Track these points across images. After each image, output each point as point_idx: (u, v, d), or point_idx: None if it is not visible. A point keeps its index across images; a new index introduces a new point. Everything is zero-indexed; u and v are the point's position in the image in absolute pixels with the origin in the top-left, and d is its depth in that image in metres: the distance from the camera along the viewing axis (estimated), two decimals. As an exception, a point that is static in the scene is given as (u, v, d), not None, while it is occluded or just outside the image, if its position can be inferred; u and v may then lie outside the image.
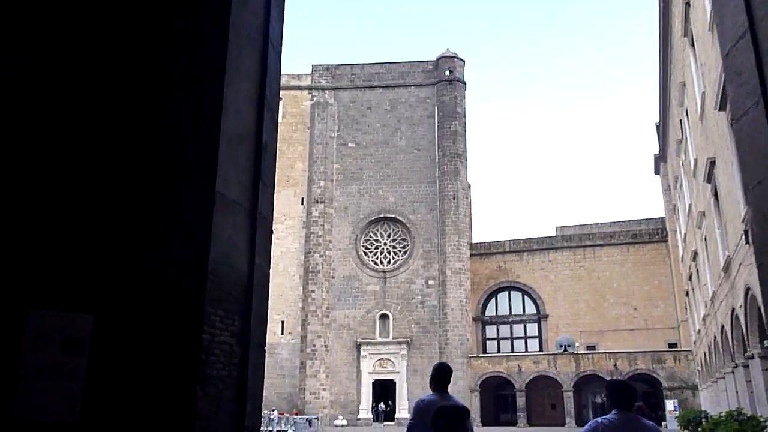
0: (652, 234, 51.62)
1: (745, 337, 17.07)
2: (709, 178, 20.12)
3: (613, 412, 4.87)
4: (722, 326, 22.39)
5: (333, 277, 49.71)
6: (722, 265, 19.84)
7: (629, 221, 54.72)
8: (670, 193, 47.33)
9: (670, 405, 40.29)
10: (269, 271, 5.13)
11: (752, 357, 16.79)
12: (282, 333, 49.10)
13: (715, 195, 20.11)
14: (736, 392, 22.82)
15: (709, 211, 22.08)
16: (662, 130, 41.05)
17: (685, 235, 34.26)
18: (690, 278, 34.22)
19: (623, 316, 49.99)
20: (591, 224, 55.66)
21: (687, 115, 26.03)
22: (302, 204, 51.27)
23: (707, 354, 30.17)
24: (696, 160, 24.43)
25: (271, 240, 5.24)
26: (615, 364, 44.34)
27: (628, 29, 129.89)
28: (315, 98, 52.80)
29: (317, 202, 50.42)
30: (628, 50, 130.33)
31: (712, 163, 19.10)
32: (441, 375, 5.68)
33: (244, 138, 4.96)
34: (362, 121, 52.51)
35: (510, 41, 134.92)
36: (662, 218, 52.12)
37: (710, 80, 18.07)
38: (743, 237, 15.12)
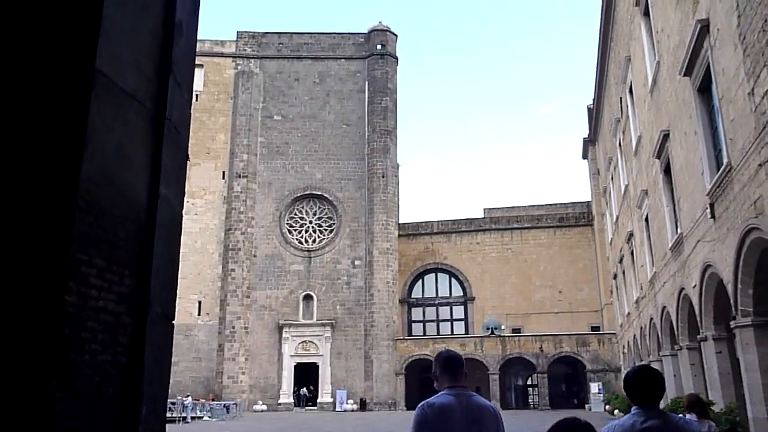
0: (578, 218, 51.76)
1: (699, 319, 16.23)
2: (660, 153, 19.25)
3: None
4: (663, 308, 21.76)
5: (255, 256, 47.31)
6: (670, 243, 19.05)
7: (556, 205, 54.75)
8: (597, 177, 47.41)
9: (594, 387, 40.38)
10: (181, 212, 3.02)
11: (705, 339, 15.97)
12: (199, 314, 46.39)
13: (666, 170, 19.27)
14: (674, 376, 22.34)
15: (655, 188, 21.31)
16: (595, 112, 40.74)
17: (617, 217, 33.93)
18: (621, 260, 33.95)
19: (548, 299, 49.98)
20: (519, 207, 55.39)
21: (631, 91, 25.28)
22: (223, 178, 48.46)
23: (638, 337, 29.89)
24: (640, 137, 23.69)
25: (186, 166, 3.16)
26: (541, 347, 44.14)
27: (567, 10, 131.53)
28: (239, 67, 49.91)
29: (239, 176, 47.74)
30: (566, 32, 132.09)
31: (666, 136, 18.18)
32: (453, 367, 3.90)
33: (147, 5, 2.97)
34: (289, 93, 50.06)
35: (444, 17, 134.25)
36: (588, 202, 52.31)
37: (669, 47, 17.06)
38: (707, 211, 14.14)
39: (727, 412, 11.89)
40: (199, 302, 46.47)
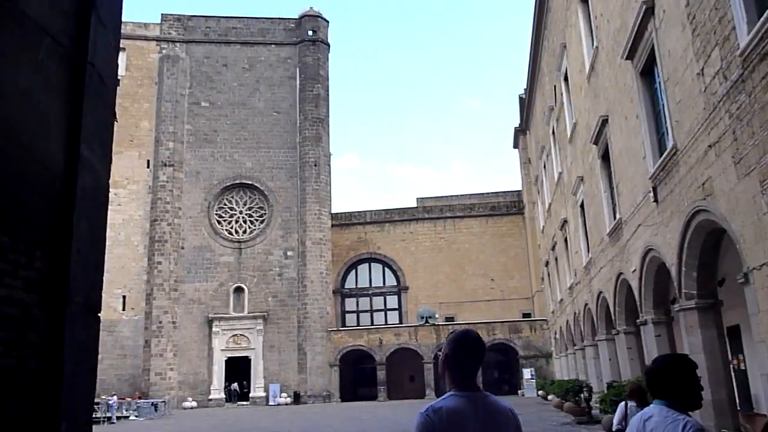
0: (509, 206, 52.33)
1: (638, 303, 16.30)
2: (597, 138, 19.30)
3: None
4: (599, 293, 21.96)
5: (182, 248, 45.60)
6: (608, 229, 19.14)
7: (487, 194, 55.18)
8: (528, 166, 48.01)
9: (527, 373, 40.91)
10: (108, 181, 2.32)
11: (645, 323, 16.05)
12: (123, 309, 44.36)
13: (604, 156, 19.33)
14: (609, 360, 22.62)
15: (592, 174, 21.41)
16: (527, 101, 41.08)
17: (550, 204, 34.28)
18: (553, 248, 34.36)
19: (481, 287, 50.38)
20: (451, 196, 55.53)
21: (566, 78, 25.39)
22: (148, 167, 46.41)
23: (571, 323, 30.29)
24: (576, 124, 23.80)
25: (113, 126, 2.51)
26: (474, 335, 44.27)
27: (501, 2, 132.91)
28: (164, 51, 47.84)
29: (165, 165, 45.82)
30: (500, 23, 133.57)
31: (604, 122, 18.19)
32: (470, 358, 2.90)
33: None
34: (217, 78, 48.37)
35: (376, 4, 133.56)
36: (519, 191, 52.96)
37: (609, 31, 17.02)
38: (649, 195, 14.12)
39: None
40: (124, 297, 44.46)
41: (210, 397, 43.34)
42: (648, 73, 14.22)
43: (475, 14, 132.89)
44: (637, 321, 16.76)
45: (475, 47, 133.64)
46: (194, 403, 42.35)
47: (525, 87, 41.63)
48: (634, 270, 16.38)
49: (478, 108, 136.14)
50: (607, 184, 19.45)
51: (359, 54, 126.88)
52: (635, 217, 15.88)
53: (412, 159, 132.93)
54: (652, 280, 15.63)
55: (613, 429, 8.36)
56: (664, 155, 12.88)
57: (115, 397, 33.49)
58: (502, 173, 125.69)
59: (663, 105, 13.25)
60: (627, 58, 14.78)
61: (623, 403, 8.46)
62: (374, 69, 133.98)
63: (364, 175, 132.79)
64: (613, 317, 19.96)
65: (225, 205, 47.41)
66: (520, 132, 49.08)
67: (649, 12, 12.93)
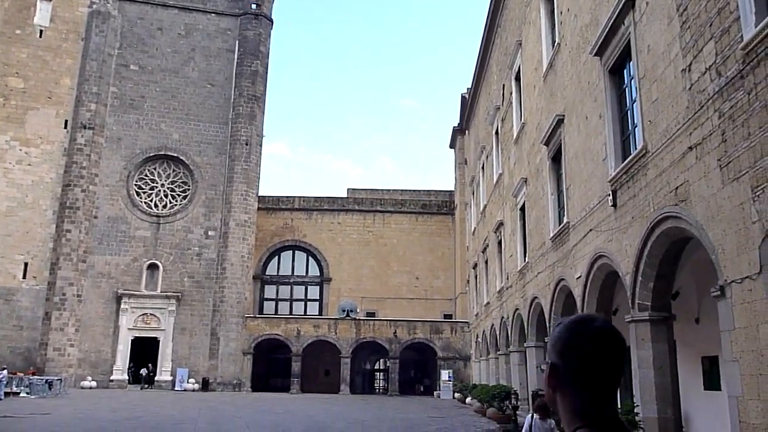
0: (440, 206, 51.89)
1: (581, 310, 15.68)
2: (549, 139, 18.65)
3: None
4: (533, 299, 21.40)
5: (95, 217, 42.70)
6: (552, 233, 18.54)
7: (420, 191, 54.56)
8: (464, 166, 47.60)
9: (445, 375, 40.43)
10: None
11: (585, 332, 15.43)
12: (24, 277, 41.10)
13: (554, 158, 18.70)
14: (537, 367, 22.11)
15: (538, 176, 20.81)
16: (470, 100, 40.54)
17: (485, 206, 33.79)
18: (484, 250, 33.87)
19: (405, 284, 49.71)
20: (383, 190, 54.60)
21: (518, 77, 24.76)
22: (65, 128, 43.17)
23: (497, 327, 29.81)
24: (524, 124, 23.20)
25: None
26: (395, 332, 43.62)
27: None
28: (95, 6, 44.57)
29: (85, 127, 42.74)
30: (442, 24, 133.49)
31: (560, 121, 17.53)
32: (612, 363, 1.63)
33: None
34: (150, 42, 45.59)
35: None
36: (452, 192, 52.58)
37: (575, 27, 16.34)
38: (608, 198, 13.44)
39: (626, 412, 11.12)
40: (26, 264, 41.21)
41: (112, 377, 40.77)
42: (617, 70, 13.55)
43: (419, 13, 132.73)
44: (577, 330, 16.15)
45: (413, 48, 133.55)
46: (94, 383, 39.71)
47: (469, 86, 41.10)
48: (579, 276, 15.76)
49: (411, 108, 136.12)
50: (555, 187, 18.84)
51: (296, 39, 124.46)
52: (586, 222, 15.23)
53: (342, 153, 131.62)
54: (597, 287, 15.03)
55: None
56: (630, 157, 12.19)
57: (5, 372, 30.69)
58: (432, 174, 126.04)
59: (633, 104, 12.58)
60: (596, 55, 14.07)
61: (529, 415, 9.18)
62: (311, 55, 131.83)
63: (293, 164, 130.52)
64: (547, 324, 19.38)
65: (146, 176, 44.78)
66: (459, 132, 48.65)
67: (628, 5, 12.21)
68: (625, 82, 13.24)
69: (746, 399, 7.99)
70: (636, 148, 12.04)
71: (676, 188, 10.16)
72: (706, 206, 9.10)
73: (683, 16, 9.95)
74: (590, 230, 14.88)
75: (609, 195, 13.35)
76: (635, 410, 11.28)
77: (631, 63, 12.59)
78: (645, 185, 11.52)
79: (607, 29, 13.23)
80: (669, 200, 10.44)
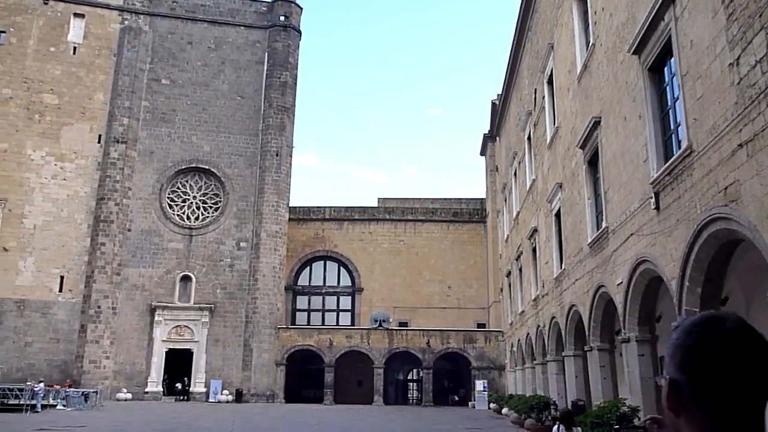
0: (471, 214, 51.38)
1: (622, 318, 15.16)
2: (585, 142, 18.18)
3: None
4: (571, 307, 20.85)
5: (129, 230, 43.13)
6: (590, 239, 18.02)
7: (450, 199, 54.10)
8: (495, 173, 47.06)
9: (480, 385, 39.82)
10: None
11: (627, 341, 14.91)
12: (60, 290, 41.64)
13: (591, 161, 18.22)
14: (576, 377, 21.54)
15: (573, 180, 20.31)
16: (501, 106, 40.08)
17: (518, 213, 33.25)
18: (518, 258, 33.32)
19: (437, 293, 49.24)
20: (413, 198, 54.27)
21: (550, 81, 24.31)
22: (99, 142, 43.78)
23: (533, 336, 29.22)
24: (558, 128, 22.72)
25: None
26: (428, 342, 43.16)
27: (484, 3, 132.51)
28: (126, 22, 45.30)
29: (118, 141, 43.29)
30: (481, 25, 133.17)
31: (596, 123, 17.06)
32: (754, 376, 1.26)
33: None
34: (180, 56, 46.08)
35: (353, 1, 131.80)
36: (483, 199, 52.05)
37: (611, 26, 15.90)
38: (650, 201, 12.95)
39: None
40: (62, 277, 41.75)
41: (147, 389, 41.00)
42: (657, 68, 13.09)
43: (445, 22, 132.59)
44: (619, 338, 15.62)
45: (439, 58, 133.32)
46: (129, 395, 39.97)
47: (499, 93, 40.67)
48: (620, 282, 15.24)
49: (437, 117, 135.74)
50: (592, 191, 18.35)
51: (325, 50, 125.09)
52: (626, 226, 14.74)
53: (370, 163, 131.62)
54: (639, 294, 14.50)
55: None
56: (673, 158, 11.72)
57: (42, 384, 31.00)
58: (462, 183, 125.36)
59: (675, 102, 12.12)
60: (634, 53, 13.63)
61: (555, 426, 9.43)
62: (337, 66, 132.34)
63: (322, 175, 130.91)
64: (586, 332, 18.82)
65: (178, 189, 45.14)
66: (489, 139, 48.17)
67: (668, 0, 11.77)
68: (666, 79, 12.77)
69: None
70: (680, 148, 11.57)
71: (726, 188, 9.68)
72: (759, 206, 8.62)
73: (729, 8, 9.51)
74: (631, 234, 14.38)
75: (651, 197, 12.86)
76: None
77: (672, 60, 12.13)
78: (690, 186, 11.04)
79: (645, 26, 12.79)
80: (718, 201, 9.96)
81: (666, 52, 12.44)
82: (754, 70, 8.75)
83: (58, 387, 34.62)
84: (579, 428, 9.36)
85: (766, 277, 13.56)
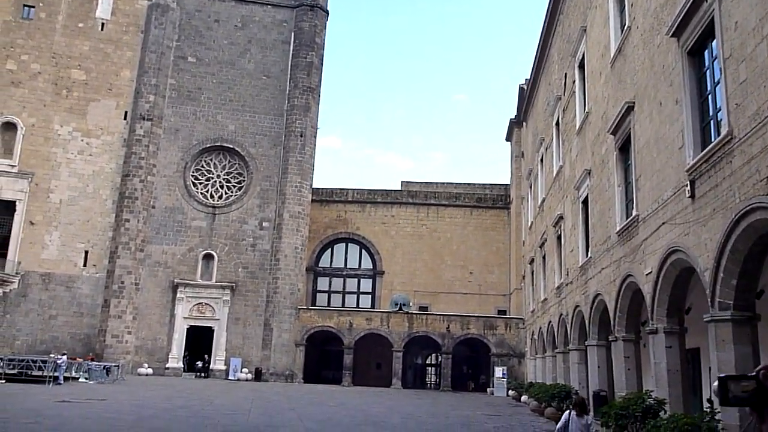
0: (495, 200, 50.91)
1: (650, 309, 14.80)
2: (617, 128, 17.72)
3: None
4: (596, 296, 20.49)
5: (153, 207, 43.38)
6: (619, 227, 17.63)
7: (474, 185, 53.61)
8: (520, 159, 46.53)
9: (499, 372, 39.61)
10: None
11: (655, 332, 14.56)
12: (84, 265, 42.10)
13: (622, 148, 17.78)
14: (598, 367, 21.23)
15: (603, 167, 19.87)
16: (528, 91, 39.48)
17: (544, 200, 32.80)
18: (542, 245, 32.91)
19: (458, 279, 48.97)
20: (437, 183, 53.88)
21: (582, 65, 23.77)
22: (125, 119, 43.98)
23: (555, 324, 28.88)
24: (588, 114, 22.23)
25: None
26: (448, 327, 43.00)
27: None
28: (154, -1, 45.27)
29: (143, 118, 43.43)
30: (509, 10, 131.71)
31: (629, 109, 16.60)
32: None
33: None
34: (207, 34, 45.99)
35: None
36: (507, 185, 51.53)
37: (648, 8, 15.41)
38: (685, 189, 12.55)
39: (703, 417, 10.29)
40: (86, 252, 42.18)
41: (167, 365, 41.42)
42: (697, 52, 12.63)
43: (472, 6, 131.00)
44: (646, 329, 15.27)
45: (466, 43, 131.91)
46: (150, 370, 40.42)
47: (527, 77, 40.05)
48: (650, 272, 14.87)
49: (462, 102, 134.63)
50: (623, 178, 17.92)
51: (348, 34, 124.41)
52: (658, 215, 14.34)
53: (394, 147, 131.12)
54: (670, 285, 14.13)
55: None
56: (712, 144, 11.30)
57: (65, 357, 31.37)
58: (485, 169, 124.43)
59: (716, 87, 11.68)
60: (673, 36, 13.16)
61: (567, 412, 9.74)
62: (361, 49, 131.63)
63: (345, 157, 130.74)
64: (612, 322, 18.47)
65: (202, 167, 45.24)
66: (516, 124, 47.56)
67: (712, -20, 11.30)
68: (706, 63, 12.32)
69: None
70: (719, 135, 11.15)
71: (767, 176, 9.29)
72: (804, 195, 8.23)
73: (779, -12, 9.07)
74: (663, 223, 13.99)
75: (686, 185, 12.46)
76: (709, 415, 10.41)
77: (713, 42, 11.68)
78: (729, 174, 10.64)
79: (687, 7, 12.32)
80: (759, 190, 9.57)
81: (707, 35, 11.98)
82: (805, 53, 8.33)
83: (80, 360, 35.05)
84: (590, 416, 9.54)
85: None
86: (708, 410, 10.74)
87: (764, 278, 11.79)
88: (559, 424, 9.81)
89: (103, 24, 44.53)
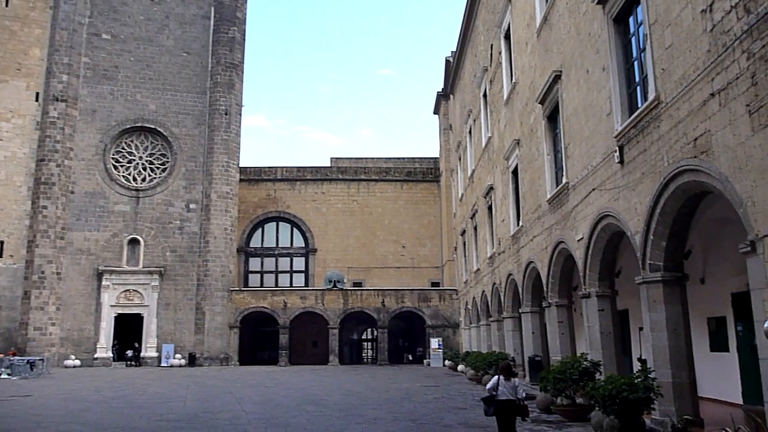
0: (425, 173, 51.12)
1: (582, 274, 15.12)
2: (545, 97, 17.91)
3: None
4: (529, 263, 20.85)
5: (72, 192, 41.43)
6: (549, 195, 17.90)
7: (404, 159, 53.67)
8: (449, 132, 46.81)
9: (434, 343, 40.11)
10: None
11: (588, 296, 14.91)
12: (1, 256, 39.92)
13: (551, 116, 17.98)
14: (533, 333, 21.70)
15: (532, 137, 20.10)
16: (455, 64, 39.58)
17: (473, 171, 33.10)
18: (473, 216, 33.29)
19: (391, 253, 49.12)
20: (366, 158, 53.63)
21: (507, 36, 23.89)
22: (37, 100, 41.60)
23: (488, 294, 29.36)
24: (515, 84, 22.41)
25: None
26: (383, 302, 43.15)
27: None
28: (62, -28, 42.75)
29: (57, 100, 41.19)
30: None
31: (557, 77, 16.77)
32: None
33: None
34: (122, 9, 43.87)
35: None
36: (436, 158, 51.82)
37: (573, -24, 15.50)
38: (614, 155, 12.76)
39: (638, 376, 10.57)
40: (1, 242, 39.98)
41: (96, 355, 39.97)
42: (623, 18, 12.78)
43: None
44: (579, 293, 15.61)
45: (387, 18, 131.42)
46: (77, 362, 38.92)
47: (453, 50, 40.12)
48: (581, 238, 15.17)
49: (388, 77, 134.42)
50: (552, 147, 18.16)
51: (270, 8, 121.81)
52: (588, 181, 14.59)
53: (321, 124, 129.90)
54: (601, 249, 14.46)
55: (486, 394, 10.23)
56: (640, 109, 11.49)
57: (-16, 353, 29.80)
58: (415, 142, 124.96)
59: (642, 53, 11.85)
60: (598, 3, 13.28)
61: (495, 376, 10.36)
62: (283, 25, 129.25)
63: (272, 136, 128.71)
64: (545, 289, 18.84)
65: (123, 149, 43.44)
66: (443, 97, 47.72)
67: (635, -55, 11.42)
68: (632, 29, 12.48)
69: (782, 361, 7.42)
70: (646, 100, 11.34)
71: (695, 139, 9.49)
72: (732, 156, 8.44)
73: (703, -48, 9.18)
74: (593, 190, 14.24)
75: (615, 151, 12.68)
76: (651, 373, 10.71)
77: (638, 8, 11.84)
78: (657, 138, 10.85)
79: (611, -25, 12.43)
80: (686, 153, 9.78)
81: (632, 1, 12.12)
82: (729, 16, 8.47)
83: (2, 356, 33.39)
84: (517, 379, 10.20)
85: (724, 231, 13.67)
86: (642, 369, 11.03)
87: (691, 239, 12.18)
88: (489, 385, 10.33)
89: (7, 0, 41.85)
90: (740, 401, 14.16)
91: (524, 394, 10.41)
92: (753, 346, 13.13)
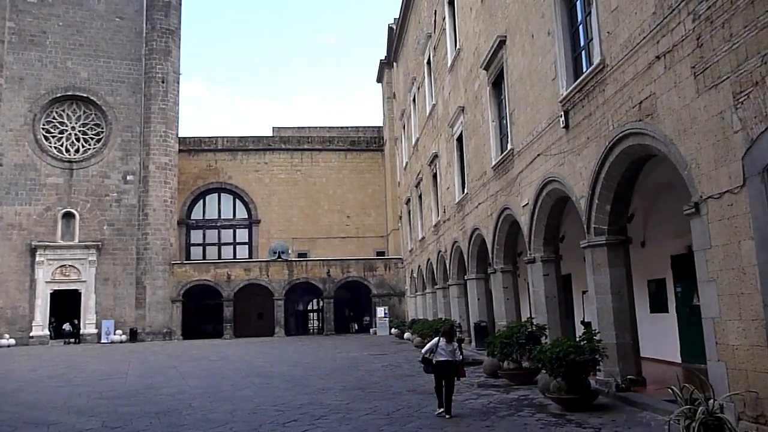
0: (369, 142, 50.77)
1: (527, 239, 15.22)
2: (490, 63, 17.79)
3: None
4: (474, 230, 20.93)
5: (1, 165, 39.52)
6: (494, 161, 17.90)
7: (348, 128, 53.16)
8: (392, 100, 46.48)
9: (380, 312, 40.23)
10: None
11: (533, 261, 15.04)
12: (-76, 232, 37.93)
13: (495, 82, 17.90)
14: (478, 299, 21.89)
15: (476, 103, 20.02)
16: (398, 31, 39.10)
17: (418, 139, 32.96)
18: (418, 185, 33.25)
19: (336, 223, 48.82)
20: (310, 127, 52.89)
21: (452, 1, 23.61)
22: (-42, 68, 39.36)
23: (433, 261, 29.49)
24: (460, 50, 22.23)
25: None
26: (328, 272, 42.97)
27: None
28: (-20, -70, 40.22)
29: (-20, 67, 39.02)
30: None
31: (501, 43, 16.65)
32: None
33: None
34: (48, -29, 41.65)
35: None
36: (380, 127, 51.49)
37: (518, -61, 15.31)
38: (560, 119, 12.76)
39: (584, 339, 10.70)
40: (-76, 218, 37.96)
41: (32, 334, 38.61)
42: (567, -18, 12.70)
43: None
44: (524, 259, 15.73)
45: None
46: (12, 341, 37.53)
47: (396, 17, 39.61)
48: (526, 204, 15.24)
49: (328, 45, 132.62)
50: (497, 113, 18.12)
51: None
52: (533, 147, 14.60)
53: (262, 93, 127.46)
54: (546, 215, 14.55)
55: (424, 355, 10.53)
56: (585, 73, 11.47)
57: None
58: (359, 111, 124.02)
59: (587, 17, 11.80)
60: (543, -34, 13.15)
61: (436, 338, 10.58)
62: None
63: (211, 106, 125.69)
64: (490, 255, 18.95)
65: (54, 119, 41.58)
66: (386, 65, 47.24)
67: None
68: (576, -7, 12.41)
69: (724, 320, 7.54)
70: (591, 64, 11.32)
71: (640, 102, 9.51)
72: (676, 119, 8.47)
73: None
74: (538, 155, 14.26)
75: (560, 116, 12.68)
76: (596, 335, 10.85)
77: (584, -29, 11.75)
78: (602, 102, 10.86)
79: (556, -63, 12.29)
80: (632, 116, 9.81)
81: (577, -36, 12.04)
82: (675, -22, 8.43)
83: (-72, 336, 31.87)
84: (456, 343, 10.52)
85: (665, 195, 13.92)
86: (586, 332, 11.17)
87: (633, 203, 12.34)
88: (427, 347, 10.60)
89: None
90: (679, 360, 14.60)
91: (461, 358, 10.70)
92: (691, 307, 13.53)
